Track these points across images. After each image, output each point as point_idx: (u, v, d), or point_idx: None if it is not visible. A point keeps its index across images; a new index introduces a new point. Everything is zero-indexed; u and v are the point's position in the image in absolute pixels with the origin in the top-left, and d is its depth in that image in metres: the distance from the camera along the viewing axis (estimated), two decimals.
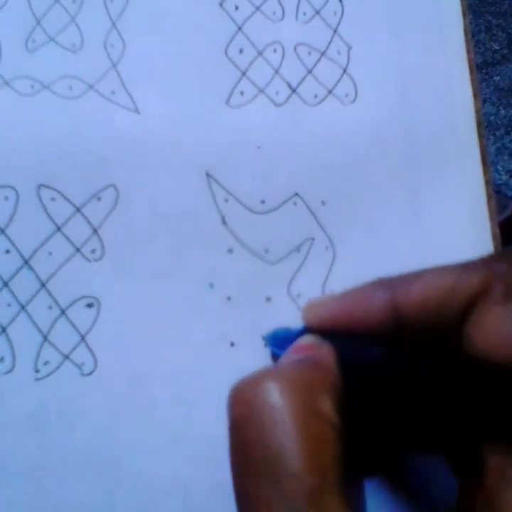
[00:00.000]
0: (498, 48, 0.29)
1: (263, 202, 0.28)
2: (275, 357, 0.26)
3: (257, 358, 0.27)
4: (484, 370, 0.18)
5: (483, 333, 0.18)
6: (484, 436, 0.18)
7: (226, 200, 0.28)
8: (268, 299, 0.27)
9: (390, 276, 0.21)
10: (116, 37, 0.29)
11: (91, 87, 0.29)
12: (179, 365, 0.26)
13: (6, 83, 0.28)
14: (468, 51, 0.31)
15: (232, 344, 0.27)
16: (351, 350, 0.20)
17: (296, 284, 0.28)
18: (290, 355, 0.21)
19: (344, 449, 0.17)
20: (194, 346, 0.27)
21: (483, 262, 0.20)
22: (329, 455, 0.16)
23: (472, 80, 0.31)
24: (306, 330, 0.22)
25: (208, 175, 0.28)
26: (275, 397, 0.17)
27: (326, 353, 0.19)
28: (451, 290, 0.19)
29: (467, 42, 0.31)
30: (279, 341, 0.24)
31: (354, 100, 0.30)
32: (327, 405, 0.17)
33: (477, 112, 0.30)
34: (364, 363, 0.19)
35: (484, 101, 0.28)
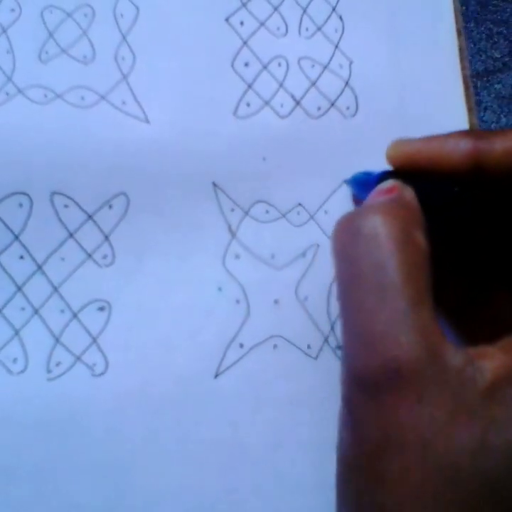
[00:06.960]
0: (499, 55, 0.30)
1: (267, 212, 0.29)
2: (357, 200, 0.26)
3: (265, 359, 0.27)
4: None
5: None
6: None
7: (232, 210, 0.29)
8: (276, 302, 0.28)
9: (472, 130, 0.21)
10: (126, 50, 0.30)
11: (102, 97, 0.29)
12: (189, 367, 0.27)
13: (20, 91, 0.29)
14: (462, 68, 0.33)
15: (241, 345, 0.28)
16: (431, 192, 0.20)
17: (303, 287, 0.29)
18: (375, 197, 0.22)
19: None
20: (203, 348, 0.27)
21: None
22: (423, 279, 0.18)
23: (467, 95, 0.32)
24: (385, 174, 0.23)
25: (214, 185, 0.29)
26: (378, 225, 0.19)
27: (409, 194, 0.21)
28: None
29: (461, 59, 0.33)
30: (360, 185, 0.24)
31: (355, 113, 0.31)
32: (420, 236, 0.19)
33: (472, 126, 0.32)
34: (443, 200, 0.20)
35: (485, 109, 0.29)
